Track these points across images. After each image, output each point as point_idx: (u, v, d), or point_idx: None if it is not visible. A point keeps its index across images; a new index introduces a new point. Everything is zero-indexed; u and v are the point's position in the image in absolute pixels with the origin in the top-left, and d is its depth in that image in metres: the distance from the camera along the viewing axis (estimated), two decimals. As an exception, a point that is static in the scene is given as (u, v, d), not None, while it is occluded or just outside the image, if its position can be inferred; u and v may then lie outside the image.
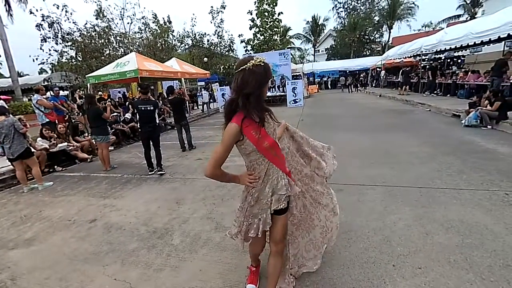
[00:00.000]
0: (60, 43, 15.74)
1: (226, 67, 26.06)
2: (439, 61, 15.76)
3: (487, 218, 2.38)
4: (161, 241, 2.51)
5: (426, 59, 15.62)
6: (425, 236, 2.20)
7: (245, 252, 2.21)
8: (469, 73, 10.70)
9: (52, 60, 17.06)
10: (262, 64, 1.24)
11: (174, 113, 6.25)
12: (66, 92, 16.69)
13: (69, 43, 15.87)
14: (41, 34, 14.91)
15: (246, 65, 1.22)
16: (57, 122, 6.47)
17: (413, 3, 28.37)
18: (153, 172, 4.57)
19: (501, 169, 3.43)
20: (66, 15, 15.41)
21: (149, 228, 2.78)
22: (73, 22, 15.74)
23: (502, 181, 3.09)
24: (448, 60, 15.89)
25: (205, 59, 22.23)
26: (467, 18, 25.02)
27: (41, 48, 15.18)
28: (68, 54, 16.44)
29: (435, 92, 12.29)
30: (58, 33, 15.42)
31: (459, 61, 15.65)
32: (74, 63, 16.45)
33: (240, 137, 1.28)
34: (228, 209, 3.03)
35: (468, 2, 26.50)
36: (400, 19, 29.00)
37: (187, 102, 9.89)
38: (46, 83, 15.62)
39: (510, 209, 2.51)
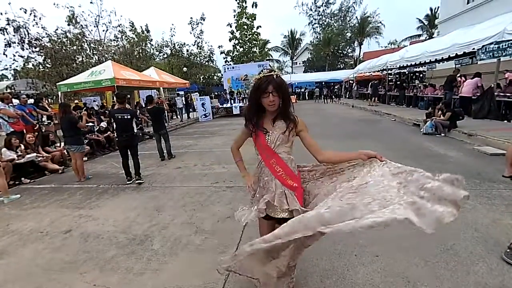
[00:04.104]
0: (27, 49, 14.90)
1: (206, 77, 26.23)
2: (405, 75, 17.35)
3: (435, 212, 2.76)
4: (141, 247, 2.55)
5: (392, 74, 17.14)
6: (383, 228, 2.49)
7: (225, 252, 2.35)
8: (428, 86, 11.96)
9: (17, 66, 16.05)
10: (257, 79, 1.37)
11: (153, 123, 6.24)
12: (32, 100, 15.69)
13: (37, 49, 15.07)
14: (5, 39, 14.04)
15: (254, 79, 1.42)
16: (25, 131, 6.13)
17: (380, 22, 31.15)
18: (132, 182, 4.52)
19: (449, 171, 3.87)
20: (34, 19, 14.71)
21: (128, 235, 2.80)
22: (42, 27, 15.04)
23: (449, 181, 3.56)
24: (411, 75, 17.56)
25: (185, 68, 22.25)
26: (426, 37, 27.95)
27: (4, 53, 14.26)
28: (35, 60, 15.58)
29: (400, 103, 13.48)
30: (24, 38, 14.60)
31: (421, 75, 17.35)
32: (42, 69, 15.59)
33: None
34: (208, 213, 3.14)
35: (425, 23, 29.69)
36: (369, 36, 31.54)
37: (166, 111, 9.84)
38: (9, 90, 14.57)
39: (453, 203, 2.93)
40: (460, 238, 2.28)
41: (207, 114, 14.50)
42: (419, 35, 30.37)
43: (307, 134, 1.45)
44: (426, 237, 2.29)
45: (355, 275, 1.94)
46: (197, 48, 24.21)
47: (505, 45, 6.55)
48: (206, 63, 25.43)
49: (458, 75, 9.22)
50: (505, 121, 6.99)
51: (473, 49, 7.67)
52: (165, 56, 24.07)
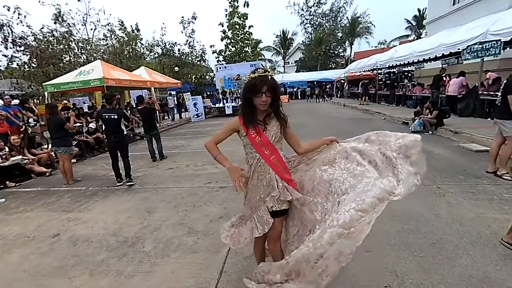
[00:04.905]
0: (11, 48, 14.41)
1: (198, 76, 26.04)
2: (394, 75, 17.70)
3: (422, 208, 2.84)
4: (132, 249, 2.52)
5: (382, 73, 17.47)
6: (373, 225, 2.55)
7: (217, 252, 2.35)
8: (416, 86, 12.25)
9: (0, 66, 15.51)
10: (252, 78, 1.38)
11: (144, 123, 6.15)
12: (17, 101, 15.18)
13: (21, 48, 14.59)
14: (-14, 38, 13.53)
15: (247, 76, 1.43)
16: (9, 133, 5.93)
17: (370, 22, 31.66)
18: (122, 183, 4.44)
19: (435, 167, 4.06)
20: (18, 17, 14.23)
21: (119, 238, 2.75)
22: (27, 26, 14.56)
23: (436, 177, 3.67)
24: (401, 74, 17.93)
25: (176, 68, 22.01)
26: (414, 37, 28.58)
27: (-14, 53, 13.74)
28: (20, 59, 15.08)
29: (391, 102, 13.75)
30: (8, 36, 14.11)
31: (410, 75, 17.74)
32: (27, 69, 15.11)
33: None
34: (200, 214, 3.13)
35: (414, 24, 30.38)
36: (359, 36, 32.01)
37: (157, 111, 9.72)
38: (-8, 90, 14.06)
39: (440, 199, 3.03)
40: (446, 232, 2.35)
41: (199, 114, 14.40)
42: (408, 36, 31.04)
43: (291, 131, 1.56)
44: (414, 233, 2.37)
45: (346, 270, 1.96)
46: (188, 48, 24.02)
47: (488, 45, 6.78)
48: (198, 62, 25.24)
49: (444, 74, 9.47)
50: (489, 119, 7.24)
51: (459, 49, 7.90)
52: (156, 55, 23.76)
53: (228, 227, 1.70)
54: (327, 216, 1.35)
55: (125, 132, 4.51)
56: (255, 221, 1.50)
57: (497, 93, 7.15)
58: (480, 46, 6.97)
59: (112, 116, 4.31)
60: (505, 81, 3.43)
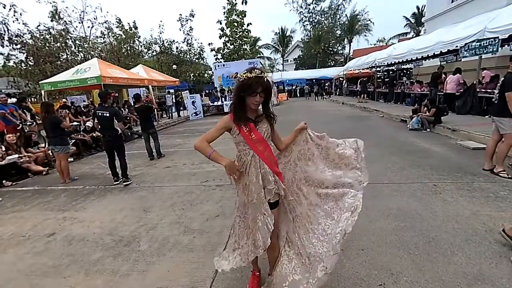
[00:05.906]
0: (7, 46, 14.28)
1: (196, 74, 25.95)
2: (393, 72, 17.68)
3: (418, 205, 2.84)
4: (128, 248, 2.51)
5: (380, 71, 17.44)
6: (369, 223, 2.55)
7: (213, 250, 2.34)
8: (414, 83, 12.23)
9: (-4, 64, 15.42)
10: (248, 78, 1.38)
11: (141, 121, 6.12)
12: (13, 100, 15.07)
13: (18, 46, 14.47)
14: (-18, 36, 13.41)
15: (242, 74, 1.43)
16: (5, 132, 5.89)
17: (369, 20, 31.55)
18: (119, 182, 4.43)
19: (433, 165, 4.06)
20: (14, 15, 14.10)
21: (115, 237, 2.75)
22: (23, 23, 14.44)
23: (433, 175, 3.68)
24: (399, 72, 17.90)
25: (174, 66, 21.92)
26: (413, 35, 28.54)
27: (-17, 51, 13.62)
28: (16, 57, 14.96)
29: (389, 100, 13.74)
30: (4, 34, 13.99)
31: (408, 72, 17.71)
32: (24, 67, 15.00)
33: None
34: (197, 213, 3.12)
35: (412, 22, 30.32)
36: (358, 33, 31.92)
37: (155, 110, 9.68)
38: (-12, 89, 13.93)
39: (436, 197, 3.03)
40: (442, 230, 2.35)
41: (197, 113, 14.35)
42: (406, 33, 30.98)
43: (275, 129, 1.64)
44: (410, 231, 2.37)
45: (341, 269, 1.97)
46: (186, 46, 23.90)
47: (486, 43, 6.76)
48: (196, 60, 25.14)
49: (441, 72, 9.45)
50: (486, 116, 7.24)
51: (456, 47, 7.88)
52: (154, 53, 23.64)
53: (237, 250, 1.72)
54: (309, 206, 1.63)
55: (119, 132, 4.47)
56: (266, 216, 1.53)
57: (494, 90, 7.18)
58: (478, 43, 6.95)
59: (105, 114, 4.28)
60: (502, 79, 3.43)
